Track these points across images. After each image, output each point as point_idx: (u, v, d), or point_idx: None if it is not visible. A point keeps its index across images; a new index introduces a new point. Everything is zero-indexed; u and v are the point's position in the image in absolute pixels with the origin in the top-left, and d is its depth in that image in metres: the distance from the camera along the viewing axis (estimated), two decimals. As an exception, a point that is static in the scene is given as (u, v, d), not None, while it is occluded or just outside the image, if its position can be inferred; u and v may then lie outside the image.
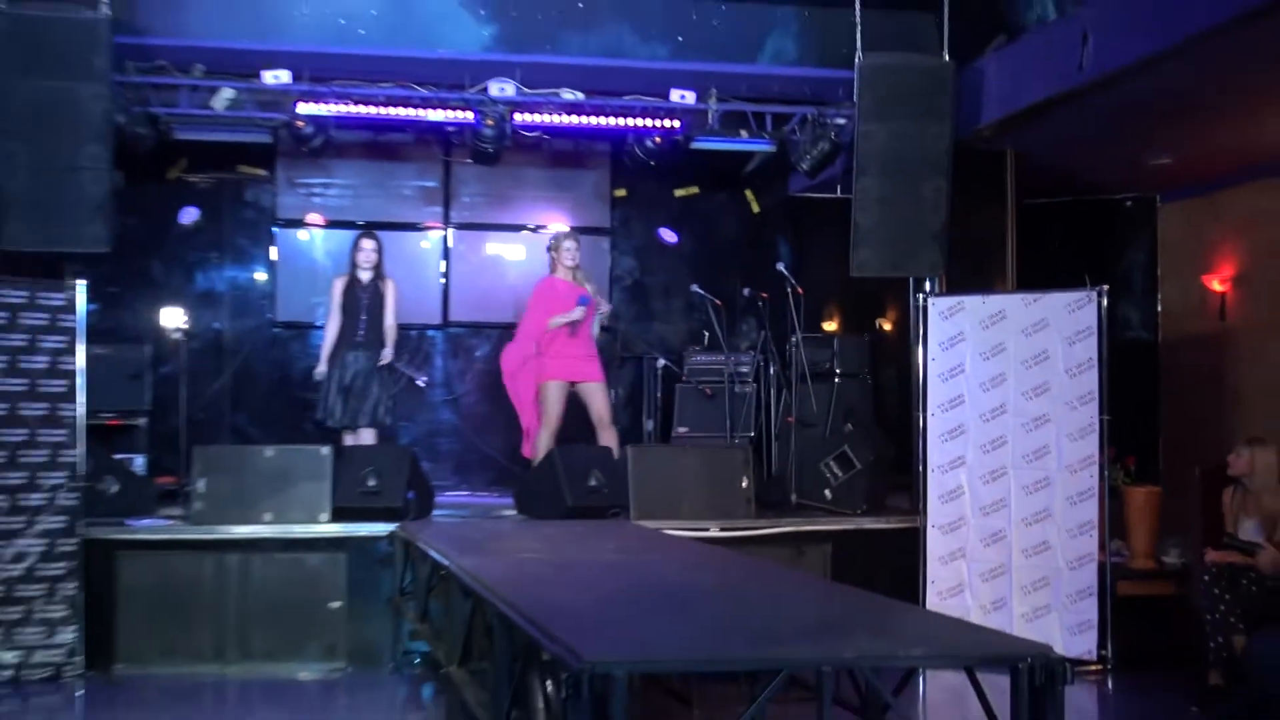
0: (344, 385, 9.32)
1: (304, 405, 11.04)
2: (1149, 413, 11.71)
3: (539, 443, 9.59)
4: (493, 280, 11.58)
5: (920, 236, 9.35)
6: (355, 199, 11.39)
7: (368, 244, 9.55)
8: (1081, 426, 8.34)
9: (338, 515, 8.45)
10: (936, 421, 8.92)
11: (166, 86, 9.19)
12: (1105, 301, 8.37)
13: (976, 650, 4.20)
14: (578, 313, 9.51)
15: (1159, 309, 11.96)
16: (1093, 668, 8.13)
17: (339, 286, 9.50)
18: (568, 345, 9.57)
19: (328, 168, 11.15)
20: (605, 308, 10.03)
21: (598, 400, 9.67)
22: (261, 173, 11.28)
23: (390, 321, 9.49)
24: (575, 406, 9.73)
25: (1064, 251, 11.70)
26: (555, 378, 9.59)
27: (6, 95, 8.35)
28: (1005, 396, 8.67)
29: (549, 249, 9.93)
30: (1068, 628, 8.28)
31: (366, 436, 9.39)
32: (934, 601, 8.71)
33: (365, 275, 9.46)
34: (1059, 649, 4.97)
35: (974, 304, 8.89)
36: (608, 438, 9.53)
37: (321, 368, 9.44)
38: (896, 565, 8.81)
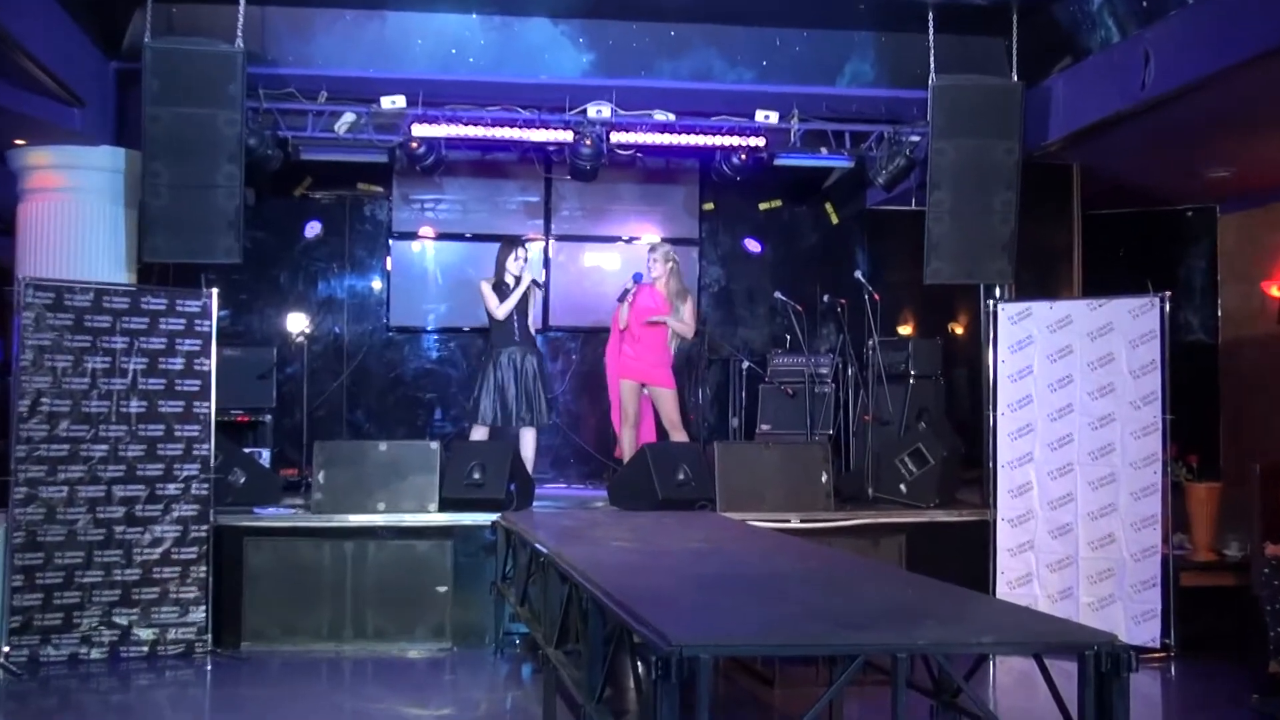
0: (501, 385, 9.20)
1: (415, 404, 11.16)
2: (1210, 412, 11.53)
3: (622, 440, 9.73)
4: (590, 288, 11.55)
5: (990, 246, 9.25)
6: (464, 213, 11.44)
7: (521, 252, 9.49)
8: (1145, 425, 8.21)
9: (445, 505, 8.49)
10: (1006, 420, 8.79)
11: (294, 112, 9.26)
12: (1167, 307, 8.27)
13: (1045, 638, 4.16)
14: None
15: (1219, 313, 11.79)
16: (1156, 655, 7.97)
17: (487, 287, 9.39)
18: (637, 348, 9.56)
19: (439, 185, 11.19)
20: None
21: (666, 404, 9.65)
22: (379, 190, 11.37)
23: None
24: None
25: (1127, 259, 11.61)
26: (625, 377, 9.64)
27: (152, 121, 8.47)
28: (1072, 396, 8.53)
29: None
30: (1132, 617, 8.13)
31: (527, 435, 9.33)
32: (1003, 591, 8.58)
33: (510, 280, 9.38)
34: (1123, 637, 4.88)
35: (1041, 309, 8.77)
36: (678, 439, 9.51)
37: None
38: (967, 556, 8.67)
